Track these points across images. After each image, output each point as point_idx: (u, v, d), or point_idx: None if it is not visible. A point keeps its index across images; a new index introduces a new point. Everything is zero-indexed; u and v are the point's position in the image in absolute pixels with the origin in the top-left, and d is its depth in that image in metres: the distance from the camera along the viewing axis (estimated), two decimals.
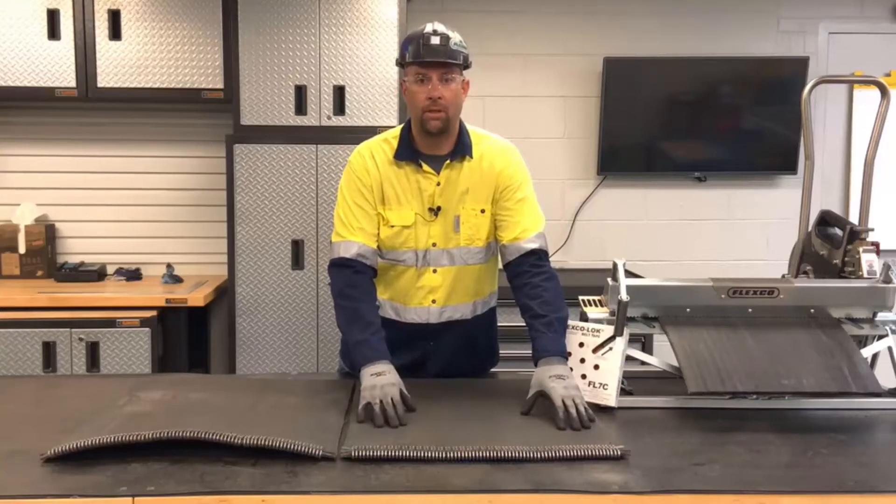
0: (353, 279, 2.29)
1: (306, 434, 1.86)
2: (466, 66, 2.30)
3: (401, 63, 2.32)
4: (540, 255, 2.33)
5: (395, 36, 3.85)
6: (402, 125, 2.40)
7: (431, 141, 2.32)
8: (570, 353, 2.20)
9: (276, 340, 3.95)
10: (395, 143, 2.36)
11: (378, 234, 2.35)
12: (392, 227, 2.34)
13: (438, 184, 2.34)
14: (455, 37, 2.27)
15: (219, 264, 4.24)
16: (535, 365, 2.17)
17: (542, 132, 4.57)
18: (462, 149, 2.34)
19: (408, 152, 2.34)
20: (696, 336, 2.19)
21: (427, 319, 2.42)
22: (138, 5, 3.94)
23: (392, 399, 2.01)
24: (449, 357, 2.48)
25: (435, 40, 2.23)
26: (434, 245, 2.37)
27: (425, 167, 2.33)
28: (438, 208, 2.34)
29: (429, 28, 2.27)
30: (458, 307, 2.44)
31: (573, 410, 1.99)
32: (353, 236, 2.31)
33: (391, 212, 2.34)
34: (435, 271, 2.38)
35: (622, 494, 1.66)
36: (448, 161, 2.33)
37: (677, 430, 2.02)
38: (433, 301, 2.41)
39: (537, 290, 2.27)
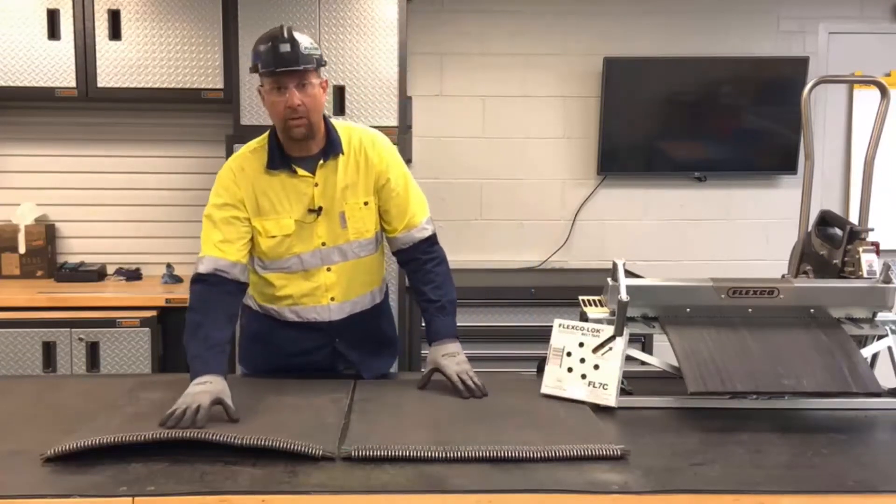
0: (204, 294, 2.23)
1: (306, 434, 1.86)
2: (321, 65, 2.28)
3: (254, 70, 2.27)
4: (431, 241, 2.45)
5: (395, 36, 3.84)
6: (267, 133, 2.37)
7: (300, 144, 2.31)
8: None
9: None
10: (264, 154, 2.34)
11: (259, 246, 2.33)
12: (273, 237, 2.33)
13: (316, 185, 2.33)
14: (304, 40, 2.24)
15: None
16: (430, 345, 2.37)
17: (542, 132, 4.57)
18: (332, 147, 2.34)
19: (279, 160, 2.32)
20: (696, 336, 2.19)
21: (329, 318, 2.42)
22: (138, 5, 3.93)
23: (198, 406, 1.93)
24: (356, 352, 2.48)
25: (285, 48, 2.20)
26: (324, 245, 2.37)
27: (300, 171, 2.33)
28: (320, 209, 2.34)
29: (276, 34, 2.23)
30: (356, 301, 2.46)
31: (470, 383, 2.22)
32: (209, 251, 2.28)
33: (269, 222, 2.33)
34: (329, 269, 2.39)
35: (622, 494, 1.66)
36: (321, 161, 2.33)
37: (677, 430, 2.02)
38: (332, 299, 2.41)
39: (430, 275, 2.42)
